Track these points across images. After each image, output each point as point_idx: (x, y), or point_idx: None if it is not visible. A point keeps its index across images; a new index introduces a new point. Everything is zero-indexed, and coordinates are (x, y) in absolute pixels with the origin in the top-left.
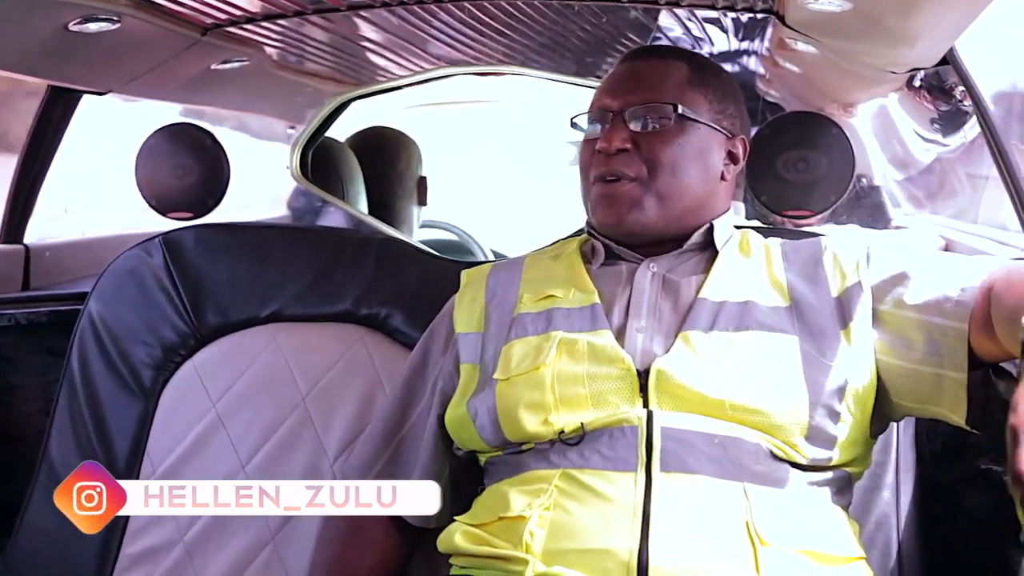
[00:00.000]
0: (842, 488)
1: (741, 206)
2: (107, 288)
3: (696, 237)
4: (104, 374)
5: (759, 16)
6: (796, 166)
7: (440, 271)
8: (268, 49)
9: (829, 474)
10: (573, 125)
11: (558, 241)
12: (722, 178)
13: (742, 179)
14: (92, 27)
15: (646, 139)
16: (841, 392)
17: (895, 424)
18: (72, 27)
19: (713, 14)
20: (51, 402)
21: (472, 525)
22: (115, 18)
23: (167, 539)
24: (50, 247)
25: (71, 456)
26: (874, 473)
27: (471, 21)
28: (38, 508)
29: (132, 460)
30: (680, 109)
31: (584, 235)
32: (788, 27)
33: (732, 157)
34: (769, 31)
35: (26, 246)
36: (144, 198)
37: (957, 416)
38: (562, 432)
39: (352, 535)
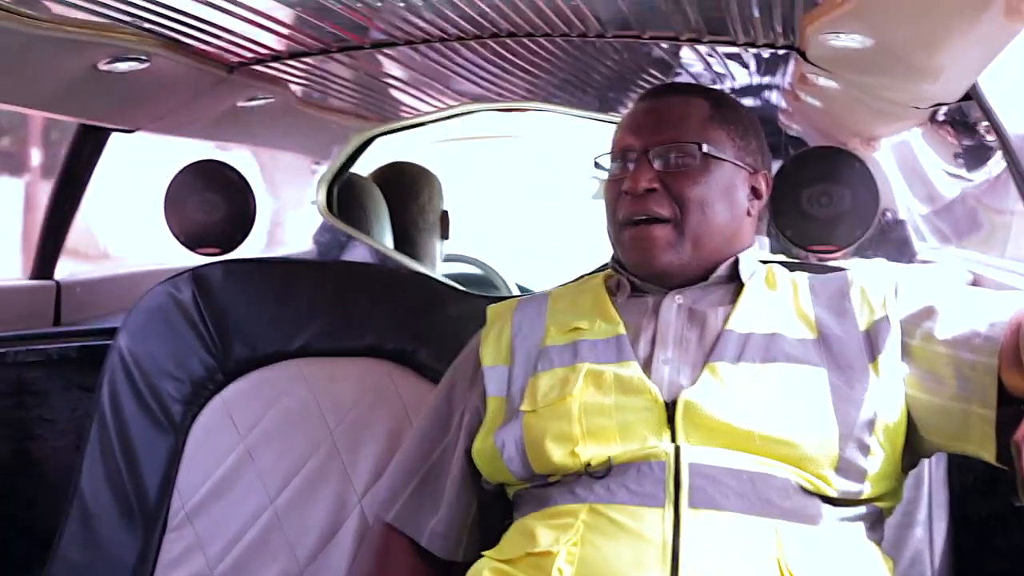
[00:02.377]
0: (874, 524)
1: (766, 240)
2: (136, 323)
3: (722, 270)
4: (134, 409)
5: (780, 52)
6: (820, 201)
7: (466, 306)
8: (293, 86)
9: (861, 509)
10: (597, 165)
11: (583, 276)
12: (748, 214)
13: (765, 213)
14: (121, 66)
15: (673, 178)
16: (871, 425)
17: (927, 459)
18: (102, 67)
19: (734, 50)
20: (81, 436)
21: (500, 561)
22: (144, 57)
23: (198, 573)
24: (81, 283)
25: (102, 491)
26: (906, 510)
27: (494, 58)
28: (70, 542)
29: (162, 495)
30: (705, 148)
31: (609, 270)
32: (809, 63)
33: (755, 192)
34: (790, 66)
35: (57, 282)
36: (173, 234)
37: (986, 453)
38: (589, 464)
39: (382, 564)
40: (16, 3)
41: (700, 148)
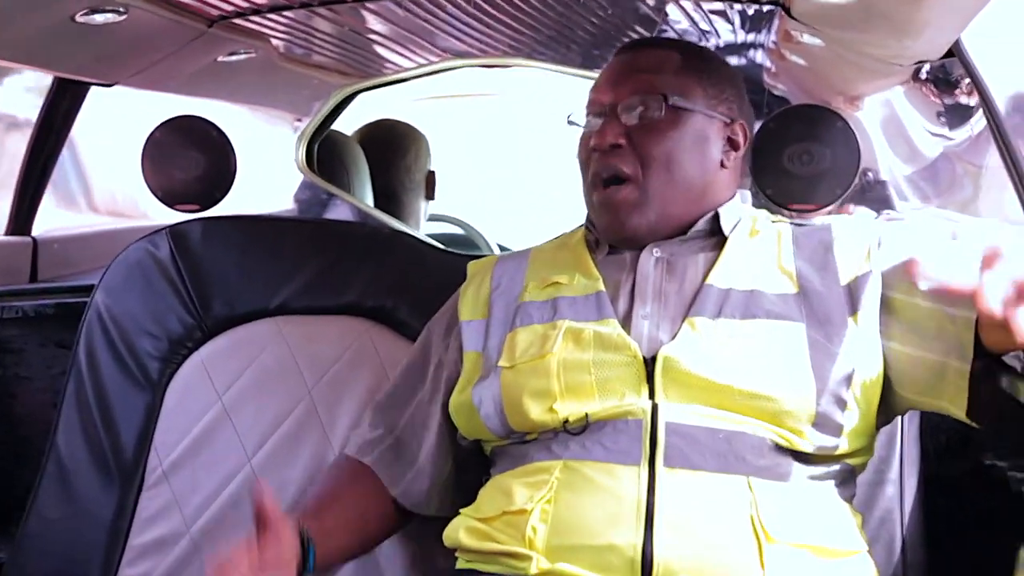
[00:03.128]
0: (845, 480)
1: (748, 194)
2: (114, 280)
3: (701, 224)
4: (111, 366)
5: (765, 9)
6: (801, 159)
7: (447, 265)
8: (275, 41)
9: (833, 467)
10: (570, 122)
11: (563, 234)
12: (722, 166)
13: (747, 166)
14: (98, 18)
15: (639, 133)
16: (848, 380)
17: (900, 419)
18: (79, 18)
19: (720, 6)
20: (58, 394)
21: (477, 519)
22: (121, 9)
23: (174, 531)
24: (57, 239)
25: (79, 448)
26: (878, 468)
27: (477, 13)
28: (46, 498)
29: (139, 452)
30: (672, 99)
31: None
32: (794, 19)
33: (732, 143)
34: (775, 23)
35: (34, 238)
36: (150, 190)
37: (957, 408)
38: (567, 421)
39: (351, 482)
40: None
41: (667, 100)
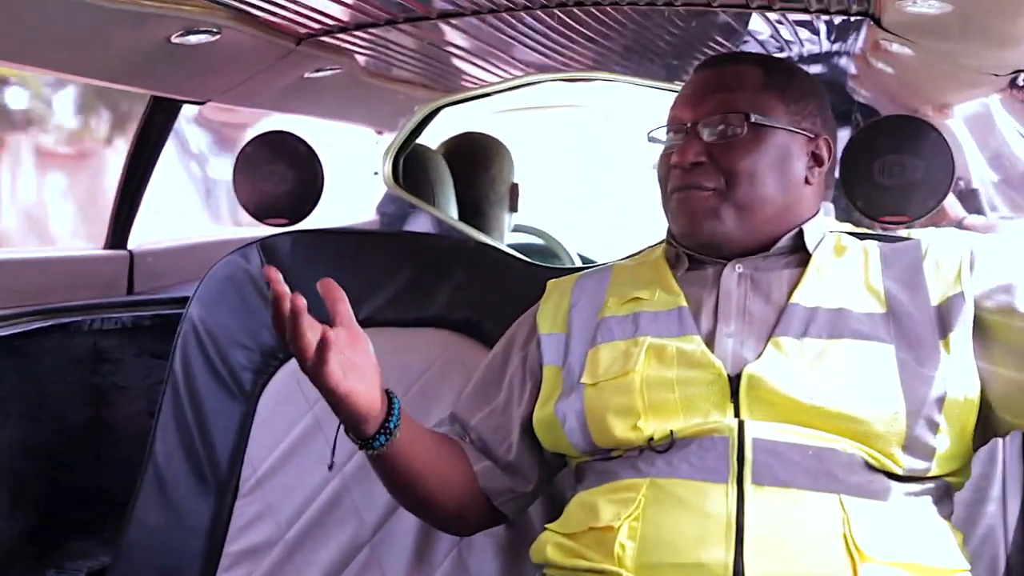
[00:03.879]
0: (942, 498)
1: (831, 207)
2: (207, 293)
3: (784, 241)
4: (206, 377)
5: (853, 19)
6: (892, 170)
7: (531, 277)
8: (359, 57)
9: (928, 484)
10: (651, 139)
11: (645, 249)
12: (806, 182)
13: (832, 179)
14: (193, 39)
15: (720, 150)
16: (940, 403)
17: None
18: (174, 39)
19: (806, 17)
20: (154, 403)
21: (563, 535)
22: (215, 30)
23: (268, 538)
24: (153, 252)
25: (176, 456)
26: (979, 486)
27: (559, 27)
28: (145, 505)
29: (233, 461)
30: (753, 117)
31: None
32: (884, 29)
33: (816, 158)
34: (863, 32)
35: (130, 251)
36: (241, 204)
37: None
38: (651, 439)
39: (445, 438)
40: None
41: (748, 118)
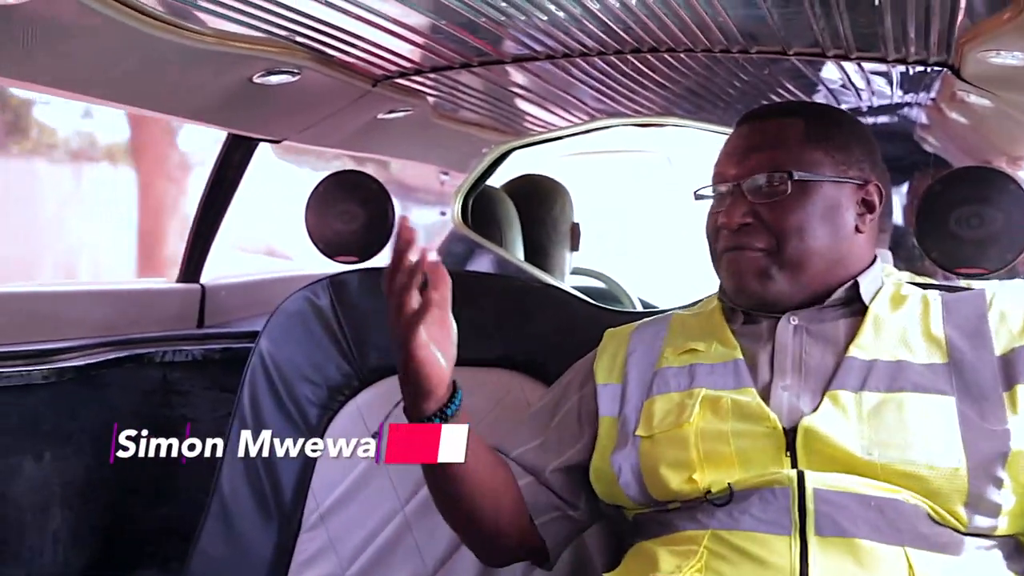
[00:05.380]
0: (1012, 554)
1: (888, 254)
2: (277, 328)
3: (839, 293)
4: (272, 411)
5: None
6: (970, 222)
7: (595, 319)
8: (431, 99)
9: (996, 539)
10: (698, 197)
11: (704, 298)
12: (857, 230)
13: (888, 224)
14: (273, 80)
15: (767, 208)
16: (1003, 458)
17: None
18: (256, 79)
19: (882, 67)
20: (222, 435)
21: None
22: (295, 71)
23: (330, 573)
24: (225, 287)
25: (241, 489)
26: None
27: (631, 72)
28: (210, 536)
29: (297, 496)
30: (797, 175)
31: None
32: (963, 79)
33: (867, 205)
34: (938, 82)
35: (202, 285)
36: (313, 242)
37: None
38: (708, 491)
39: (502, 461)
40: (182, 18)
41: (791, 176)
